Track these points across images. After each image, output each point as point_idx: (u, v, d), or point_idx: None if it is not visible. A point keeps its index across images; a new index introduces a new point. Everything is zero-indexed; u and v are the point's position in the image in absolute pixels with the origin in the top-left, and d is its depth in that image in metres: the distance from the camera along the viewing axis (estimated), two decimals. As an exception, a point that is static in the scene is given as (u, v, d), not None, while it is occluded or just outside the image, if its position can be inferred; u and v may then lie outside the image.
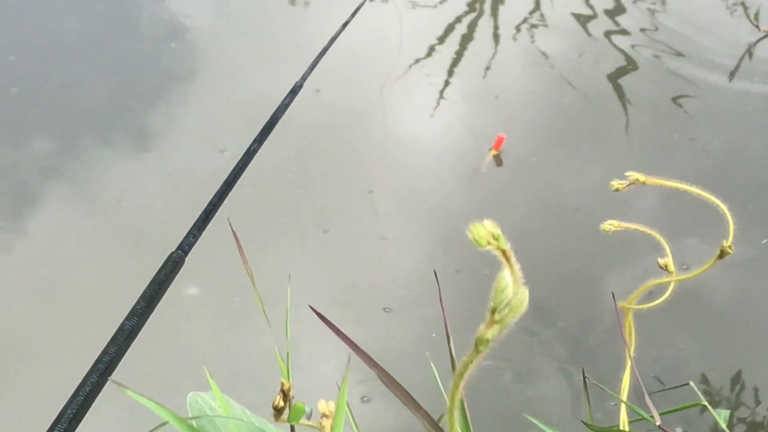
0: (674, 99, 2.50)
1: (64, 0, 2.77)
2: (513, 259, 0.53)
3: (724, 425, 1.00)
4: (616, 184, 0.97)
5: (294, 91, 0.85)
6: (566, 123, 2.42)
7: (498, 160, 2.31)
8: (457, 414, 0.55)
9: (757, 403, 1.79)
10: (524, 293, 0.52)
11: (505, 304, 0.52)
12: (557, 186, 2.23)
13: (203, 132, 2.32)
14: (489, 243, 0.53)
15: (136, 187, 2.16)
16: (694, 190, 0.95)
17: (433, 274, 1.93)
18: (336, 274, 1.97)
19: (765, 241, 2.04)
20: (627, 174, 0.96)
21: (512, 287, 0.52)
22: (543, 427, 0.81)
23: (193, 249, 0.72)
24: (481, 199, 2.19)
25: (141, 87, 2.47)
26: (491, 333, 0.53)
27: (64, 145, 2.27)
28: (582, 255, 2.05)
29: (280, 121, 0.81)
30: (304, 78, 0.87)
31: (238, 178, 0.78)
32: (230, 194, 0.78)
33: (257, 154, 0.79)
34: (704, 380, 1.81)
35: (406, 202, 2.18)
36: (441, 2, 2.85)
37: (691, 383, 1.05)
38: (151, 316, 0.70)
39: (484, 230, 0.53)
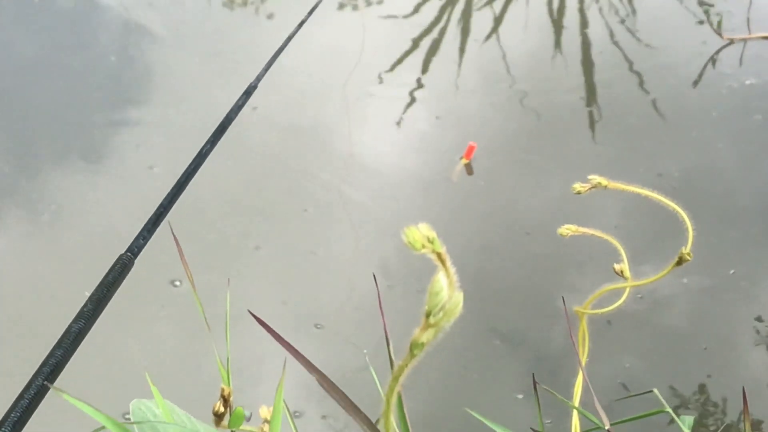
0: (638, 122, 2.48)
1: (10, 16, 2.74)
2: (448, 263, 0.53)
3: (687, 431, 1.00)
4: (578, 187, 0.96)
5: (248, 92, 0.85)
6: (526, 144, 2.40)
7: (469, 169, 2.31)
8: (394, 416, 0.55)
9: (719, 416, 1.80)
10: (459, 297, 0.52)
11: (439, 308, 0.52)
12: (512, 206, 2.23)
13: (133, 148, 2.31)
14: (424, 246, 0.53)
15: (70, 203, 2.16)
16: (655, 196, 0.95)
17: (365, 291, 1.93)
18: (267, 290, 1.96)
19: (732, 271, 2.07)
20: (589, 177, 0.96)
21: (447, 291, 0.52)
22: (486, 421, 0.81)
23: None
24: (423, 217, 2.17)
25: (83, 103, 2.45)
26: (426, 337, 0.52)
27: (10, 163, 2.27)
28: (541, 272, 2.05)
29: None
30: (258, 79, 0.86)
31: (190, 180, 0.78)
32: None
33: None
34: (671, 390, 1.82)
35: (341, 220, 2.17)
36: (405, 16, 2.83)
37: (655, 390, 1.05)
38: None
39: (419, 233, 0.53)
